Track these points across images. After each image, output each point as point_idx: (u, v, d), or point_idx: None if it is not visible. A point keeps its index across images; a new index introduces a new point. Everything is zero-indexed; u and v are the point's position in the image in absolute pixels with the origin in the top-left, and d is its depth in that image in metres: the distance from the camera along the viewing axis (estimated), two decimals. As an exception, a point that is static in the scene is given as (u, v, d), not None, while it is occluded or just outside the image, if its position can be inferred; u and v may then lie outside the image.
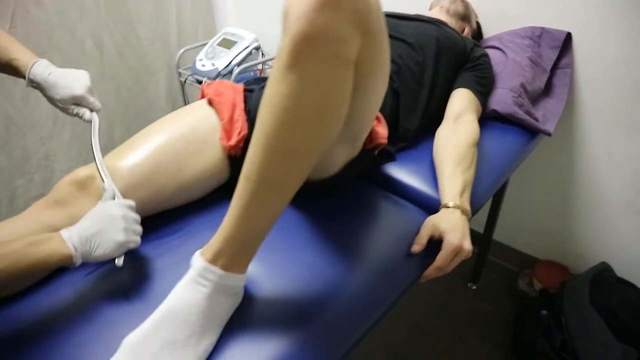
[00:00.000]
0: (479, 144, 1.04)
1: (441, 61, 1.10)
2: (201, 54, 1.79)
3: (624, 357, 1.26)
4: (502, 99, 1.15)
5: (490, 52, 1.29)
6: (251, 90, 0.93)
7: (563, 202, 1.53)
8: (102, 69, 1.75)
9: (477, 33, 1.44)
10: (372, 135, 0.82)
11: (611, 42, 1.26)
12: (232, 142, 0.84)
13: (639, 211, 1.38)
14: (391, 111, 0.99)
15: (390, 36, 1.11)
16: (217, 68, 1.71)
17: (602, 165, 1.40)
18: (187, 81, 1.81)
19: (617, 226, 1.44)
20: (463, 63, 1.15)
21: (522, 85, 1.18)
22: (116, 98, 1.84)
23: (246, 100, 0.91)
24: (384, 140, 0.84)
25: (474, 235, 1.65)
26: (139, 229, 0.70)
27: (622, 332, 1.28)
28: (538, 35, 1.33)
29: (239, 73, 1.67)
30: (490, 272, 1.71)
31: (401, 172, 0.96)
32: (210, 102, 0.91)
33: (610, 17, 1.23)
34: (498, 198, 1.48)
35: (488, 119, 1.16)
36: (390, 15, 1.23)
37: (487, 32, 1.46)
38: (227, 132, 0.85)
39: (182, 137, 0.83)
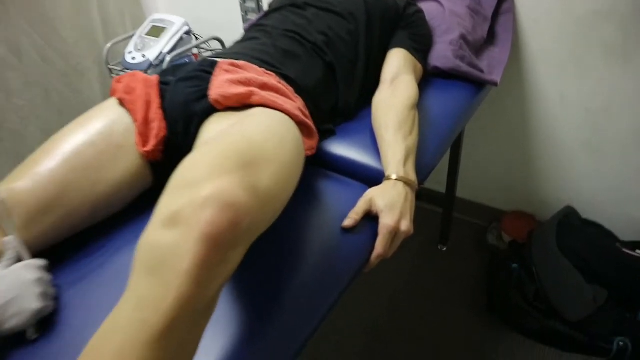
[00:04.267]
0: (424, 105, 0.99)
1: (374, 26, 1.02)
2: (130, 46, 1.67)
3: (595, 298, 1.26)
4: (442, 54, 1.09)
5: (426, 5, 1.22)
6: (167, 83, 0.84)
7: (521, 151, 1.50)
8: (25, 76, 1.62)
9: None
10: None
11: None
12: (149, 147, 0.76)
13: (596, 150, 1.36)
14: (327, 86, 0.93)
15: (317, 7, 1.03)
16: (148, 59, 1.60)
17: (556, 108, 1.37)
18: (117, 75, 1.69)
19: (577, 168, 1.42)
20: (398, 22, 1.08)
21: (462, 37, 1.12)
22: (47, 105, 1.72)
23: (162, 95, 0.82)
24: (311, 152, 0.78)
25: (436, 195, 1.68)
26: (54, 291, 0.63)
27: (591, 273, 1.28)
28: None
29: (172, 61, 1.57)
30: (459, 231, 1.69)
31: (341, 147, 0.90)
32: (121, 102, 0.81)
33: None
34: (455, 154, 1.44)
35: (431, 76, 1.10)
36: None
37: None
38: (143, 135, 0.77)
39: (91, 146, 0.74)
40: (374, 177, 0.82)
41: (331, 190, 0.82)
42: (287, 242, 0.71)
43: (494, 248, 1.58)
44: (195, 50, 1.74)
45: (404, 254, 1.65)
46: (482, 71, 1.12)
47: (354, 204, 0.76)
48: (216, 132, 0.68)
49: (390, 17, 1.07)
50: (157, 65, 1.58)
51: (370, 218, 0.74)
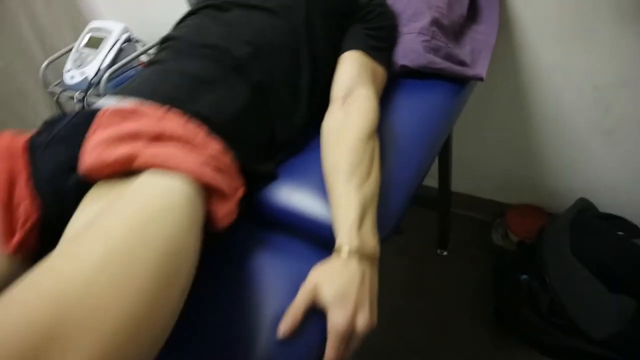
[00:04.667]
0: (389, 121, 0.79)
1: (318, 23, 0.81)
2: (68, 63, 1.47)
3: (620, 308, 1.08)
4: (411, 48, 0.87)
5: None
6: (37, 147, 0.64)
7: (521, 137, 1.29)
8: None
9: None
10: (211, 217, 0.57)
11: None
12: (15, 240, 0.58)
13: (610, 132, 1.15)
14: (257, 115, 0.72)
15: (242, 5, 0.82)
16: (87, 77, 1.40)
17: (558, 87, 1.15)
18: (59, 100, 1.50)
19: (588, 153, 1.21)
20: (352, 15, 0.86)
21: (435, 22, 0.90)
22: (-12, 137, 1.55)
23: (32, 164, 0.63)
24: (228, 220, 0.59)
25: (430, 194, 1.48)
26: None
27: (615, 281, 1.09)
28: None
29: (112, 77, 1.37)
30: (460, 229, 1.50)
31: (284, 195, 0.71)
32: None
33: None
34: (445, 148, 1.24)
35: (399, 76, 0.89)
36: None
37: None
38: (6, 224, 0.59)
39: None
40: (329, 236, 0.63)
41: (269, 263, 0.63)
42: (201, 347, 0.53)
43: (500, 249, 1.40)
44: (144, 58, 1.53)
45: (401, 262, 1.49)
46: (463, 63, 0.90)
47: (302, 281, 0.57)
48: (83, 223, 0.50)
49: (341, 9, 0.85)
50: (98, 84, 1.39)
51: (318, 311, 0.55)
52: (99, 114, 0.61)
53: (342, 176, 0.63)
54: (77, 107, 1.41)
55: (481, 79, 0.89)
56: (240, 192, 0.62)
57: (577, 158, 1.23)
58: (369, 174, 0.64)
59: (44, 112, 1.67)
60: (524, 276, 1.19)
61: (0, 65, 1.54)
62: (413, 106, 0.84)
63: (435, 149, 0.81)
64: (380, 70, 0.82)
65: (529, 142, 1.29)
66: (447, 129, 0.86)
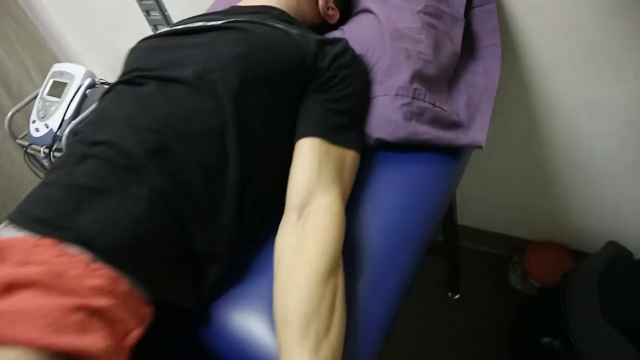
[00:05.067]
0: (364, 210, 0.64)
1: (253, 96, 0.64)
2: (33, 113, 1.36)
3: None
4: (387, 116, 0.70)
5: (354, 26, 0.83)
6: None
7: (542, 171, 1.11)
8: None
9: None
10: None
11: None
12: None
13: (645, 169, 0.96)
14: (165, 229, 0.56)
15: (158, 78, 0.66)
16: (51, 130, 1.29)
17: (580, 119, 0.96)
18: (27, 154, 1.39)
19: (619, 191, 1.03)
20: (305, 84, 0.68)
21: (416, 75, 0.73)
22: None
23: None
24: None
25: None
26: None
27: (656, 350, 0.92)
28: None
29: (74, 130, 1.24)
30: (472, 266, 1.34)
31: (235, 331, 0.58)
32: None
33: None
34: (448, 213, 1.07)
35: (374, 149, 0.73)
36: (169, 34, 0.76)
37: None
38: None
39: None
40: None
41: None
42: None
43: (519, 294, 1.23)
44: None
45: (408, 308, 1.33)
46: (457, 124, 0.73)
47: None
48: None
49: (288, 75, 0.67)
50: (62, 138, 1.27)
51: None
52: None
53: (292, 335, 0.49)
54: (45, 163, 1.30)
55: (479, 147, 0.72)
56: (132, 337, 0.49)
57: (606, 196, 1.05)
58: (327, 329, 0.50)
59: (19, 160, 1.57)
60: (546, 339, 1.03)
61: (-34, 118, 1.43)
62: (393, 190, 0.68)
63: (424, 245, 0.65)
64: (350, 156, 0.66)
65: (549, 176, 1.11)
66: (439, 213, 0.70)
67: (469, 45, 0.87)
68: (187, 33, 0.74)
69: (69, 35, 1.59)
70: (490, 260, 1.36)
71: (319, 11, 0.87)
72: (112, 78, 0.77)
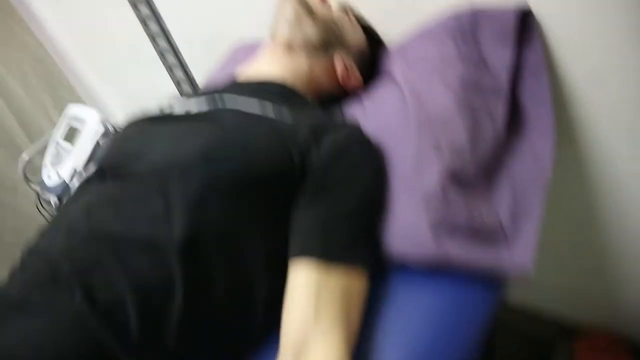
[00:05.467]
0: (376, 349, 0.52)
1: (213, 211, 0.52)
2: (46, 158, 1.32)
3: None
4: (409, 228, 0.57)
5: (377, 101, 0.72)
6: None
7: (597, 251, 0.95)
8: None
9: (371, 48, 0.83)
10: None
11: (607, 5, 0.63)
12: None
13: None
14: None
15: (111, 175, 0.59)
16: (63, 180, 1.23)
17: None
18: (40, 200, 1.35)
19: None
20: (293, 188, 0.56)
21: (450, 174, 0.59)
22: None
23: None
24: None
25: None
26: None
27: None
28: (469, 23, 0.72)
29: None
30: (509, 347, 1.18)
31: None
32: None
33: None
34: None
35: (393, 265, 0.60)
36: (152, 119, 0.67)
37: (392, 33, 0.85)
38: None
39: None
40: None
41: None
42: None
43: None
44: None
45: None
46: (498, 237, 0.59)
47: None
48: None
49: (271, 180, 0.55)
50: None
51: None
52: None
53: None
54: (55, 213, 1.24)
55: (526, 272, 0.57)
56: None
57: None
58: None
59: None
60: None
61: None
62: (413, 323, 0.55)
63: None
64: (357, 279, 0.53)
65: (605, 257, 0.94)
66: (473, 350, 0.57)
67: (515, 122, 0.73)
68: (167, 120, 0.65)
69: (89, 73, 1.54)
70: (532, 343, 1.19)
71: (337, 79, 0.76)
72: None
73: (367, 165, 0.60)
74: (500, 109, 0.70)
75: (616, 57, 0.67)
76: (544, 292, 1.12)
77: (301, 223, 0.54)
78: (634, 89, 0.69)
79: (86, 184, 0.61)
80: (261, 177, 0.55)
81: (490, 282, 0.58)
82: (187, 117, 0.63)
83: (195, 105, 0.66)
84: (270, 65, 0.74)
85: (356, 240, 0.55)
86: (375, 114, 0.69)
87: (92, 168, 0.66)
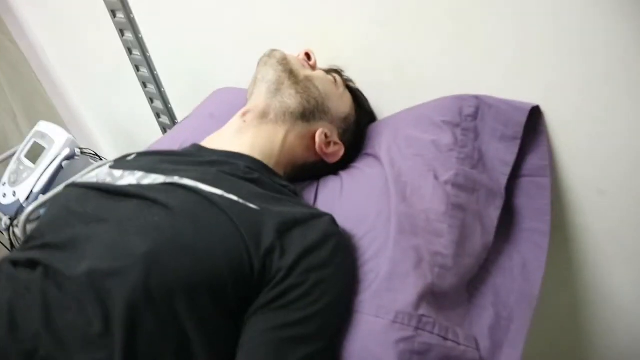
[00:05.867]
0: None
1: (153, 322, 0.45)
2: (6, 175, 1.22)
3: None
4: (374, 350, 0.49)
5: (357, 184, 0.65)
6: None
7: None
8: None
9: (358, 119, 0.76)
10: None
11: (616, 109, 0.57)
12: None
13: None
14: None
15: (42, 266, 0.49)
16: (18, 200, 1.14)
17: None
18: (-8, 218, 1.24)
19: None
20: (250, 294, 0.48)
21: (428, 293, 0.52)
22: None
23: None
24: None
25: None
26: None
27: None
28: (472, 115, 0.65)
29: (39, 208, 1.07)
30: None
31: None
32: None
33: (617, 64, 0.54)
34: None
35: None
36: (96, 188, 0.59)
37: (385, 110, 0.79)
38: None
39: None
40: None
41: None
42: None
43: None
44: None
45: None
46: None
47: None
48: None
49: (224, 285, 0.47)
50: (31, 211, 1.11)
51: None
52: None
53: None
54: (5, 235, 1.14)
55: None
56: None
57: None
58: None
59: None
60: None
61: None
62: None
63: None
64: None
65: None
66: None
67: (505, 225, 0.66)
68: (113, 194, 0.56)
69: (69, 90, 1.46)
70: None
71: (315, 150, 0.69)
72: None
73: (338, 271, 0.53)
74: (493, 214, 0.63)
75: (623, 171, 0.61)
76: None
77: (252, 336, 0.47)
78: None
79: (13, 266, 0.52)
80: (214, 284, 0.47)
81: None
82: (137, 194, 0.55)
83: (148, 176, 0.58)
84: (239, 135, 0.67)
85: (317, 358, 0.47)
86: (352, 197, 0.62)
87: (28, 242, 0.56)
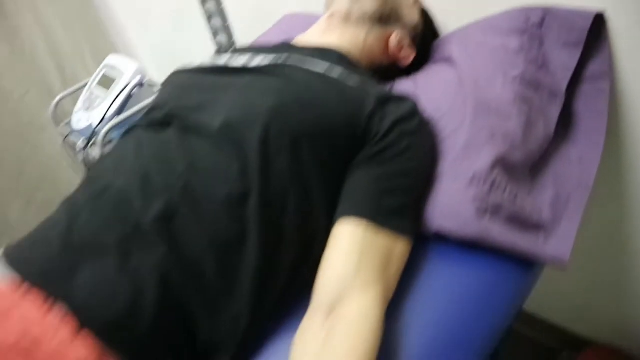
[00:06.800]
0: (409, 316, 0.52)
1: (284, 163, 0.53)
2: (79, 102, 1.32)
3: None
4: (455, 208, 0.57)
5: (433, 79, 0.71)
6: None
7: (615, 271, 0.94)
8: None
9: (425, 30, 0.82)
10: None
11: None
12: None
13: None
14: (163, 306, 0.47)
15: (181, 127, 0.57)
16: (91, 124, 1.23)
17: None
18: (66, 143, 1.35)
19: None
20: (355, 149, 0.57)
21: (500, 161, 0.59)
22: (2, 169, 1.44)
23: None
24: None
25: None
26: None
27: None
28: (538, 24, 0.71)
29: (113, 129, 1.17)
30: (516, 349, 1.17)
31: None
32: None
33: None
34: None
35: (429, 239, 0.60)
36: (205, 70, 0.67)
37: (447, 25, 0.85)
38: None
39: None
40: None
41: None
42: None
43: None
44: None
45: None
46: (537, 226, 0.59)
47: None
48: None
49: (337, 139, 0.56)
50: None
51: None
52: None
53: None
54: (80, 156, 1.25)
55: (562, 264, 0.57)
56: None
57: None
58: None
59: (60, 139, 1.54)
60: None
61: (17, 95, 1.41)
62: (445, 301, 0.55)
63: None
64: (400, 247, 0.54)
65: (624, 276, 0.93)
66: (497, 336, 0.56)
67: (565, 125, 0.72)
68: (225, 72, 0.64)
69: (128, 26, 1.55)
70: (536, 349, 1.19)
71: (388, 51, 0.76)
72: (162, 78, 0.71)
73: (424, 141, 0.60)
74: (554, 112, 0.69)
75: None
76: (556, 303, 1.11)
77: (356, 184, 0.55)
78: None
79: (147, 129, 0.61)
80: (331, 135, 0.55)
81: (523, 268, 0.58)
82: (248, 70, 0.63)
83: (254, 59, 0.66)
84: (327, 34, 0.74)
85: (405, 211, 0.56)
86: (427, 92, 0.69)
87: (151, 113, 0.64)
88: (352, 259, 0.50)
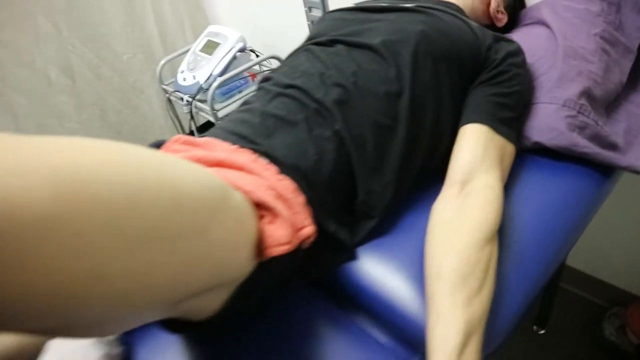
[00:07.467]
0: (512, 207, 0.66)
1: (429, 72, 0.69)
2: (183, 64, 1.50)
3: None
4: (550, 124, 0.72)
5: (526, 35, 0.86)
6: None
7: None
8: (79, 97, 1.54)
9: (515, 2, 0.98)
10: (263, 242, 0.50)
11: None
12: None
13: None
14: (337, 169, 0.63)
15: (346, 43, 0.74)
16: (198, 82, 1.42)
17: None
18: (171, 99, 1.54)
19: None
20: (476, 72, 0.73)
21: (585, 92, 0.74)
22: (103, 125, 1.65)
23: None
24: (282, 248, 0.50)
25: None
26: None
27: None
28: (616, -8, 0.86)
29: (221, 85, 1.36)
30: (565, 307, 1.30)
31: (371, 276, 0.62)
32: None
33: None
34: None
35: (527, 152, 0.75)
36: (357, 9, 0.85)
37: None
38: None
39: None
40: (415, 334, 0.55)
41: (337, 348, 0.57)
42: None
43: (613, 345, 1.18)
44: (257, 68, 1.53)
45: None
46: (614, 147, 0.74)
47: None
48: None
49: (462, 61, 0.72)
50: (207, 90, 1.40)
51: None
52: (169, 141, 0.62)
53: (446, 286, 0.52)
54: (185, 109, 1.43)
55: (637, 172, 0.72)
56: (307, 231, 0.55)
57: None
58: (480, 288, 0.53)
59: (156, 103, 1.74)
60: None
61: (124, 59, 1.61)
62: (541, 195, 0.70)
63: (563, 254, 0.67)
64: (509, 149, 0.69)
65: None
66: (582, 227, 0.71)
67: (635, 78, 0.86)
68: (375, 10, 0.81)
69: (223, 2, 1.74)
70: (587, 306, 1.31)
71: (489, 12, 0.92)
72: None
73: (525, 74, 0.77)
74: (627, 64, 0.84)
75: None
76: (606, 262, 1.24)
77: (477, 99, 0.72)
78: None
79: (316, 47, 0.77)
80: (460, 58, 0.72)
81: (601, 178, 0.73)
82: (396, 9, 0.80)
83: (397, 3, 0.83)
84: None
85: (513, 123, 0.72)
86: (523, 43, 0.84)
87: (313, 40, 0.80)
88: (478, 150, 0.66)
